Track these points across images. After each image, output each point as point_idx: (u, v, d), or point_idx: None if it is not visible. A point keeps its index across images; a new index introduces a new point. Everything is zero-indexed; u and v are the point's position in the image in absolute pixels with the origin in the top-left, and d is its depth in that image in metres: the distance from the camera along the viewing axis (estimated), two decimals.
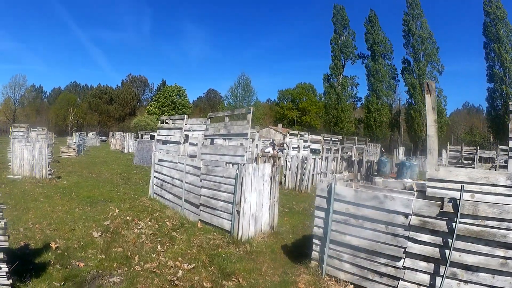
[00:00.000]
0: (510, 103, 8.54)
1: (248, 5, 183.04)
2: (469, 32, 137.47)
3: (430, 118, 6.22)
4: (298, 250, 8.65)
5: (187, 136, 13.71)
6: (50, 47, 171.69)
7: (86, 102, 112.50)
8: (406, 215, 5.95)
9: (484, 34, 66.12)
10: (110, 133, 71.16)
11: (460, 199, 5.34)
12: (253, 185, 9.58)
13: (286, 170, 20.24)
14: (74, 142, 47.18)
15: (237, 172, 9.43)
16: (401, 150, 40.81)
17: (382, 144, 58.23)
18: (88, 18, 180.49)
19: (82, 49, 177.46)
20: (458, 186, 5.43)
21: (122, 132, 67.08)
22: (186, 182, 11.79)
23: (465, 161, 25.24)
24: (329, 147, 23.93)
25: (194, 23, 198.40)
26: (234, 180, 9.58)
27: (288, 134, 21.39)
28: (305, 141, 22.43)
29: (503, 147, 24.08)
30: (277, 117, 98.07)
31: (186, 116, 13.85)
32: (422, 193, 5.90)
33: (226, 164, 10.24)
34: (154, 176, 14.49)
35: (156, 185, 14.41)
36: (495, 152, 26.49)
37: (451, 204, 5.45)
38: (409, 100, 73.70)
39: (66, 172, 22.95)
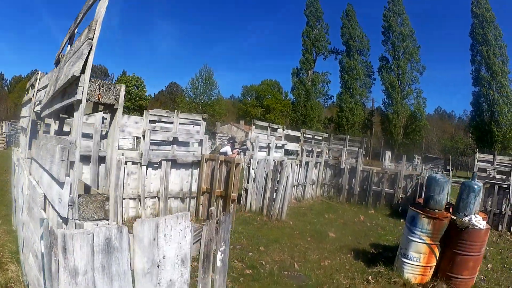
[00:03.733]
0: None
1: (218, 3, 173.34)
2: (450, 35, 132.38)
3: None
4: None
5: None
6: (16, 34, 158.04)
7: None
8: None
9: (471, 35, 60.25)
10: None
11: None
12: None
13: (248, 182, 12.60)
14: (4, 132, 38.42)
15: None
16: (388, 155, 33.73)
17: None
18: (56, 6, 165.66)
19: (48, 37, 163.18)
20: None
21: None
22: None
23: (497, 176, 17.84)
24: (310, 149, 16.28)
25: (164, 18, 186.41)
26: None
27: (253, 127, 13.65)
28: (279, 138, 14.74)
29: None
30: (240, 114, 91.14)
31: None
32: None
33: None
34: None
35: None
36: None
37: None
38: (387, 100, 67.12)
39: None
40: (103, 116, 9.07)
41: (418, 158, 40.52)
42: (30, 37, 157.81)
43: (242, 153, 13.99)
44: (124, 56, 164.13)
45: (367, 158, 52.00)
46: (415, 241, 7.30)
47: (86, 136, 8.88)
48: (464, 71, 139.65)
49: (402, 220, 13.15)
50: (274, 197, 11.94)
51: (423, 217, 7.22)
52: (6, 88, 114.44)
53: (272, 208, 11.86)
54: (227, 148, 14.94)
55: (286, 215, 11.89)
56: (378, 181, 16.16)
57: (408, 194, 15.23)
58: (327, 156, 17.86)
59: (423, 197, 9.31)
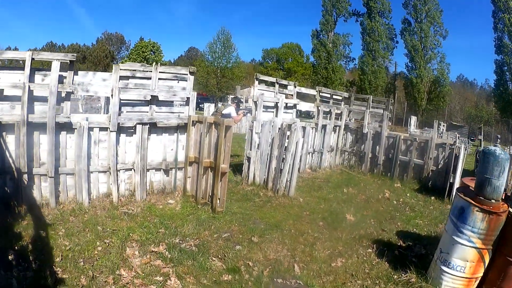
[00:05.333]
0: None
1: None
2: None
3: None
4: None
5: None
6: (29, 8, 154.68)
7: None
8: None
9: (493, 1, 55.73)
10: None
11: None
12: None
13: (251, 149, 10.43)
14: None
15: None
16: (413, 120, 31.21)
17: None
18: None
19: (63, 9, 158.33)
20: None
21: None
22: None
23: None
24: (328, 110, 13.92)
25: None
26: None
27: (256, 82, 11.25)
28: (289, 96, 12.38)
29: None
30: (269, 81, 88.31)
31: None
32: None
33: None
34: None
35: None
36: None
37: None
38: (409, 64, 63.53)
39: None
40: (61, 74, 7.01)
41: (443, 126, 37.68)
42: (41, 9, 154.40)
43: (249, 114, 11.73)
44: (141, 22, 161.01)
45: (390, 124, 49.39)
46: (463, 244, 4.97)
47: (43, 100, 6.92)
48: (487, 38, 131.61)
49: (432, 198, 11.10)
50: (281, 167, 9.74)
51: (477, 211, 4.85)
52: (21, 61, 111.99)
53: (279, 181, 9.67)
54: (230, 109, 12.65)
55: (295, 189, 9.68)
56: (405, 149, 13.66)
57: (439, 167, 12.73)
58: (347, 119, 15.41)
59: (473, 178, 7.01)
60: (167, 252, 5.74)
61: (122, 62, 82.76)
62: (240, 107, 12.54)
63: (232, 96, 25.71)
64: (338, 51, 69.55)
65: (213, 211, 7.74)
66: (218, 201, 7.84)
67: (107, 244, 5.86)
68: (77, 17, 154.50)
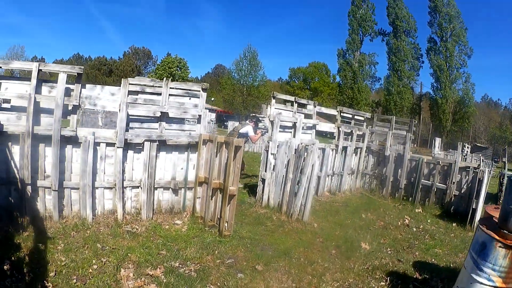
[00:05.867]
0: None
1: None
2: (494, 19, 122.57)
3: None
4: None
5: None
6: (57, 20, 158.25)
7: (84, 74, 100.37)
8: None
9: None
10: None
11: None
12: None
13: (266, 171, 10.01)
14: None
15: None
16: (438, 142, 30.35)
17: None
18: None
19: (91, 23, 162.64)
20: None
21: None
22: None
23: None
24: (349, 131, 13.45)
25: (209, 1, 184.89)
26: None
27: (273, 101, 10.91)
28: (308, 116, 12.03)
29: None
30: (287, 100, 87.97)
31: None
32: None
33: None
34: None
35: None
36: None
37: None
38: (435, 84, 62.65)
39: None
40: (67, 87, 6.84)
41: (467, 147, 36.46)
42: (70, 21, 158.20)
43: (267, 132, 11.38)
44: (169, 39, 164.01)
45: (414, 145, 48.36)
46: (482, 283, 4.36)
47: (49, 112, 6.76)
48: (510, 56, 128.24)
49: (454, 224, 10.50)
50: (296, 190, 9.30)
51: (500, 247, 4.34)
52: (48, 72, 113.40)
53: (293, 204, 9.22)
54: (248, 128, 12.30)
55: (309, 213, 9.17)
56: (428, 173, 13.02)
57: (462, 191, 12.05)
58: (369, 140, 14.92)
59: (497, 206, 6.44)
60: (163, 277, 5.37)
61: (149, 77, 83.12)
62: (259, 126, 12.20)
63: (251, 115, 25.50)
64: (364, 71, 69.28)
65: (220, 235, 7.32)
66: (226, 225, 7.44)
67: (103, 263, 5.58)
68: (105, 30, 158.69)
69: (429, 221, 10.87)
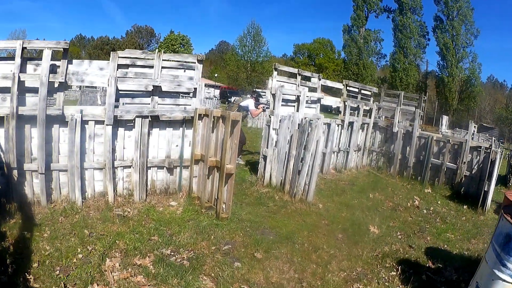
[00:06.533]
0: None
1: None
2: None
3: None
4: None
5: None
6: (58, 2, 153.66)
7: (87, 54, 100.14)
8: None
9: None
10: None
11: None
12: None
13: (268, 147, 9.39)
14: None
15: None
16: (445, 120, 29.61)
17: None
18: None
19: (93, 3, 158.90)
20: None
21: None
22: None
23: None
24: (356, 105, 12.77)
25: None
26: None
27: (275, 73, 10.27)
28: (312, 89, 11.33)
29: None
30: (292, 73, 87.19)
31: None
32: None
33: None
34: None
35: None
36: None
37: None
38: (441, 62, 61.58)
39: None
40: (53, 64, 6.25)
41: (475, 126, 35.60)
42: (71, 3, 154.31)
43: (266, 108, 10.75)
44: (172, 16, 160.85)
45: (421, 123, 47.64)
46: (505, 281, 3.79)
47: (35, 91, 6.19)
48: None
49: (465, 207, 9.89)
50: (299, 168, 8.68)
51: None
52: (36, 50, 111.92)
53: (296, 183, 8.61)
54: (248, 102, 11.63)
55: (314, 193, 8.55)
56: (438, 151, 12.34)
57: (473, 172, 11.39)
58: (377, 116, 14.18)
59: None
60: (152, 267, 4.81)
61: None
62: (260, 101, 11.56)
63: (252, 90, 24.72)
64: (369, 47, 68.59)
65: (217, 217, 6.73)
66: (224, 206, 6.85)
67: (89, 251, 5.06)
68: (106, 10, 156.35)
69: (439, 202, 10.29)
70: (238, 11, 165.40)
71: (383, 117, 14.41)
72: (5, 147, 6.10)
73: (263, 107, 11.38)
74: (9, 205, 6.09)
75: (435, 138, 12.49)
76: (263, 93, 13.68)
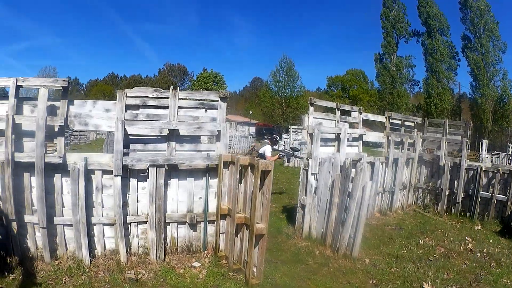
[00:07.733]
0: None
1: None
2: None
3: None
4: None
5: None
6: (91, 41, 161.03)
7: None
8: None
9: None
10: None
11: None
12: None
13: (306, 194, 8.09)
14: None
15: None
16: (485, 144, 27.81)
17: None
18: (133, 11, 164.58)
19: (125, 41, 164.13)
20: None
21: None
22: None
23: None
24: (399, 139, 11.33)
25: (242, 14, 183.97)
26: None
27: (311, 109, 8.98)
28: (353, 125, 9.94)
29: None
30: (327, 107, 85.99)
31: None
32: None
33: None
34: None
35: None
36: None
37: None
38: (473, 82, 59.22)
39: None
40: (52, 105, 5.50)
41: (510, 148, 32.84)
42: (103, 41, 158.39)
43: (285, 156, 9.54)
44: (204, 54, 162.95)
45: (455, 150, 45.27)
46: None
47: (31, 135, 5.39)
48: None
49: None
50: (343, 218, 7.30)
51: None
52: (82, 92, 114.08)
53: (340, 236, 7.22)
54: (265, 148, 10.62)
55: (359, 247, 7.14)
56: (487, 183, 10.89)
57: None
58: (421, 149, 12.67)
59: None
60: None
61: None
62: (277, 144, 10.51)
63: (270, 132, 23.56)
64: (402, 74, 67.03)
65: (246, 284, 5.46)
66: (254, 270, 5.57)
67: None
68: (139, 49, 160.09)
69: (491, 241, 8.98)
70: (270, 47, 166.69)
71: (425, 149, 12.89)
72: (2, 196, 5.47)
73: (279, 154, 10.42)
74: (9, 258, 5.43)
75: (484, 169, 11.02)
76: (277, 136, 12.72)
